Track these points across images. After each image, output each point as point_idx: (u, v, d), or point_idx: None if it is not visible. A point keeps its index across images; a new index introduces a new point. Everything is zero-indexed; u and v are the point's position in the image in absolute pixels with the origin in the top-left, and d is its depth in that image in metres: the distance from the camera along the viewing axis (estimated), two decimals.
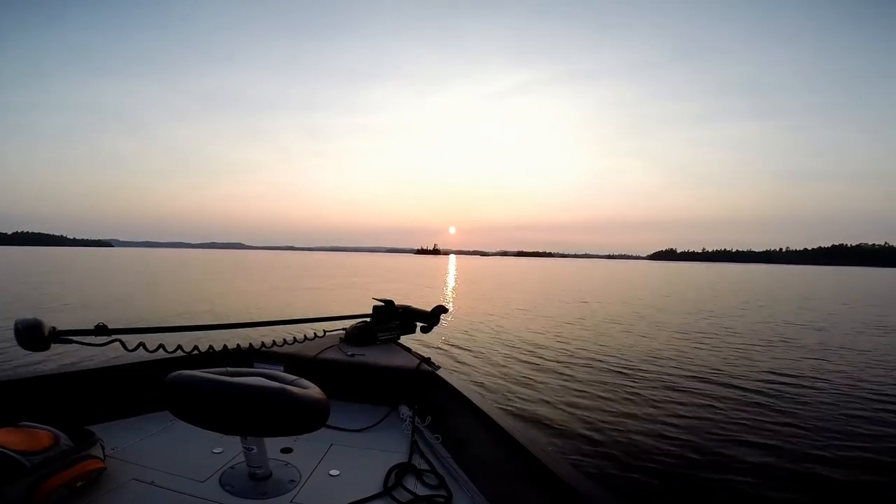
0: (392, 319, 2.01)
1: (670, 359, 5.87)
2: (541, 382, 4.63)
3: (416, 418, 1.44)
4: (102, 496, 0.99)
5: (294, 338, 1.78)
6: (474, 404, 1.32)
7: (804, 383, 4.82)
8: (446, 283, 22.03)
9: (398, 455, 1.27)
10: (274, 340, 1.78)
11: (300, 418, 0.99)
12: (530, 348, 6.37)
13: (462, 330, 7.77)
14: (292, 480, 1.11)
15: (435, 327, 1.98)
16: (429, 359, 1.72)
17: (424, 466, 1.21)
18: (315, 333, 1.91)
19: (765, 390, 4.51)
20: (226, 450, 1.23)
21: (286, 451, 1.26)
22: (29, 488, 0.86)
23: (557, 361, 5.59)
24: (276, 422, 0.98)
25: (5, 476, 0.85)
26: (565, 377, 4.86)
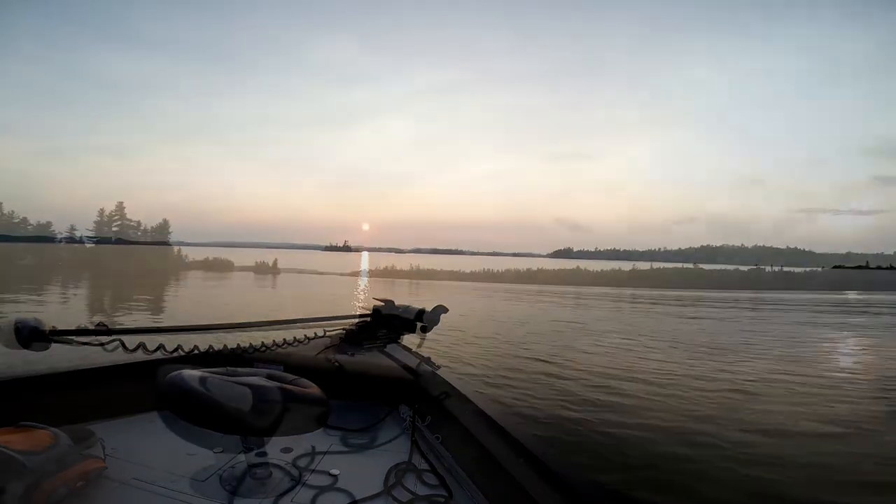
0: (392, 319, 2.01)
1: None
2: None
3: (417, 418, 1.44)
4: (103, 496, 0.98)
5: (294, 338, 1.76)
6: (474, 404, 1.32)
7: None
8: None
9: (398, 455, 1.28)
10: (274, 340, 1.76)
11: (300, 418, 1.00)
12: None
13: None
14: (292, 480, 1.11)
15: (435, 327, 1.95)
16: (429, 358, 1.71)
17: (424, 466, 1.21)
18: (315, 333, 1.88)
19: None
20: (226, 449, 1.22)
21: (286, 450, 1.25)
22: (29, 488, 0.85)
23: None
24: (277, 422, 0.98)
25: (5, 476, 0.83)
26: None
